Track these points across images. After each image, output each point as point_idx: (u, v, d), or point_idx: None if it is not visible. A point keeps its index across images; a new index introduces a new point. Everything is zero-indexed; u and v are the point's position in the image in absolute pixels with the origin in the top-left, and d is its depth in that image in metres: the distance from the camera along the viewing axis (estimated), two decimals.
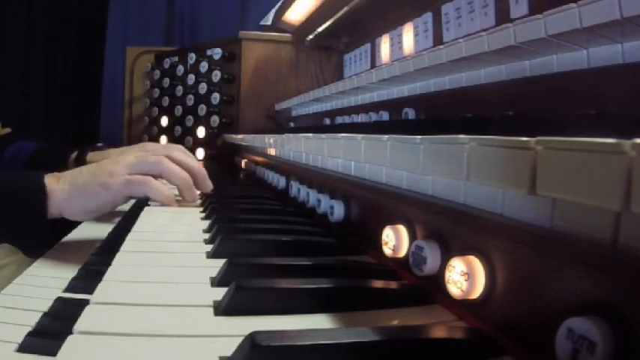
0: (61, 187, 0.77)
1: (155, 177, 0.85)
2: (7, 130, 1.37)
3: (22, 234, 0.75)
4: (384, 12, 1.29)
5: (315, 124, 1.46)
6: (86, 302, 0.40)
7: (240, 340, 0.31)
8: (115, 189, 0.79)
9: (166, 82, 2.13)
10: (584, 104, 0.55)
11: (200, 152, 1.91)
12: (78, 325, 0.35)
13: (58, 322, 0.45)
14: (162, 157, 0.88)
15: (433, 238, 0.44)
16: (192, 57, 1.97)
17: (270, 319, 0.39)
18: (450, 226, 0.43)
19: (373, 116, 1.08)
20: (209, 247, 0.58)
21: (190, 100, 1.96)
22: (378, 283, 0.46)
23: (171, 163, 0.88)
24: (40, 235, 0.76)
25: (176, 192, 0.90)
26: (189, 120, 1.98)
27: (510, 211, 0.36)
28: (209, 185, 0.96)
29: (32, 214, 0.74)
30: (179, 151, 0.93)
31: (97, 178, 0.79)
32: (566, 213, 0.31)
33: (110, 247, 0.70)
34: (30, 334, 0.42)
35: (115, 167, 0.82)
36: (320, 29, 1.63)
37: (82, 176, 0.80)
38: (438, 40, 1.04)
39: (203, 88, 1.90)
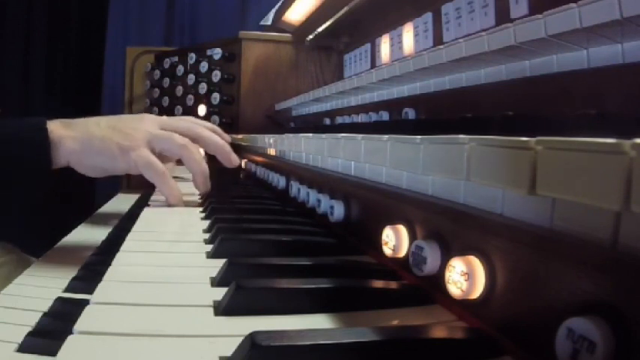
0: (71, 135, 0.71)
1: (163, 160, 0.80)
2: None
3: (27, 183, 0.69)
4: (384, 12, 1.29)
5: (315, 124, 1.46)
6: (86, 302, 0.40)
7: (240, 340, 0.31)
8: (134, 159, 0.74)
9: (166, 82, 2.13)
10: (584, 104, 0.55)
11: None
12: (78, 325, 0.35)
13: (58, 322, 0.45)
14: (189, 142, 0.84)
15: (433, 238, 0.44)
16: (192, 57, 1.97)
17: (270, 319, 0.39)
18: (450, 226, 0.43)
19: (373, 116, 1.08)
20: (209, 247, 0.58)
21: (190, 100, 1.96)
22: (378, 283, 0.46)
23: (196, 149, 0.85)
24: (44, 186, 0.70)
25: (185, 190, 0.89)
26: None
27: (510, 211, 0.36)
28: (235, 159, 0.93)
29: (35, 161, 0.68)
30: (205, 128, 0.88)
31: (117, 137, 0.74)
32: (566, 213, 0.31)
33: (110, 247, 0.70)
34: (30, 334, 0.42)
35: (138, 131, 0.76)
36: (320, 29, 1.63)
37: (99, 129, 0.74)
38: (438, 40, 1.04)
39: (203, 88, 1.90)
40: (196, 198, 0.95)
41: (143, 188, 1.31)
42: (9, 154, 0.67)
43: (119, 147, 0.73)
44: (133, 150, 0.74)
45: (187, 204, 0.89)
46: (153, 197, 0.97)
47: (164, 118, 0.87)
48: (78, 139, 0.72)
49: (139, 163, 0.75)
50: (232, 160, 0.89)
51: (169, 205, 0.85)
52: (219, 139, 0.88)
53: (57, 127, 0.71)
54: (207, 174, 0.89)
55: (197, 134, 0.85)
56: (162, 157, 0.83)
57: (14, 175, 0.69)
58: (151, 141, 0.78)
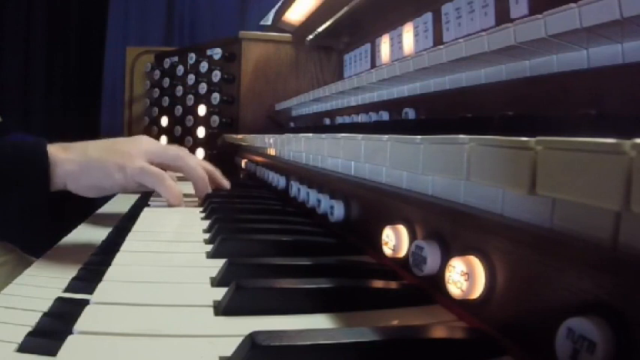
0: (69, 158, 0.73)
1: (164, 169, 0.84)
2: None
3: (25, 203, 0.71)
4: (384, 12, 1.29)
5: (315, 124, 1.46)
6: (86, 302, 0.40)
7: (240, 340, 0.31)
8: (129, 173, 0.76)
9: (166, 82, 2.13)
10: (584, 104, 0.55)
11: (200, 152, 1.91)
12: (78, 325, 0.35)
13: (58, 322, 0.45)
14: (183, 150, 0.87)
15: (433, 238, 0.44)
16: (192, 57, 1.97)
17: (270, 319, 0.39)
18: (450, 226, 0.43)
19: (373, 116, 1.08)
20: (209, 247, 0.58)
21: (190, 100, 1.96)
22: (378, 283, 0.46)
23: (192, 157, 0.88)
24: (42, 206, 0.74)
25: (185, 191, 0.90)
26: (189, 120, 1.98)
27: (510, 211, 0.36)
28: (226, 182, 0.97)
29: (34, 183, 0.69)
30: (192, 158, 0.92)
31: (113, 157, 0.76)
32: (566, 213, 0.31)
33: (110, 247, 0.70)
34: (30, 334, 0.42)
35: (133, 149, 0.79)
36: (320, 29, 1.63)
37: (96, 151, 0.76)
38: (438, 40, 1.04)
39: (203, 88, 1.90)
40: (196, 198, 0.95)
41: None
42: (8, 174, 0.69)
43: (116, 164, 0.76)
44: (128, 166, 0.76)
45: (188, 204, 0.89)
46: (153, 197, 0.97)
47: (156, 142, 0.90)
48: (76, 162, 0.74)
49: (134, 173, 0.77)
50: (224, 182, 0.94)
51: (170, 206, 0.86)
52: (201, 172, 0.90)
53: (56, 150, 0.73)
54: (206, 179, 0.91)
55: (183, 163, 0.87)
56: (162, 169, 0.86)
57: (12, 195, 0.70)
58: (147, 155, 0.80)
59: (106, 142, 0.81)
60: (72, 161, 0.73)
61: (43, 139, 0.74)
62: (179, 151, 0.86)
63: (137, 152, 0.79)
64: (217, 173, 0.97)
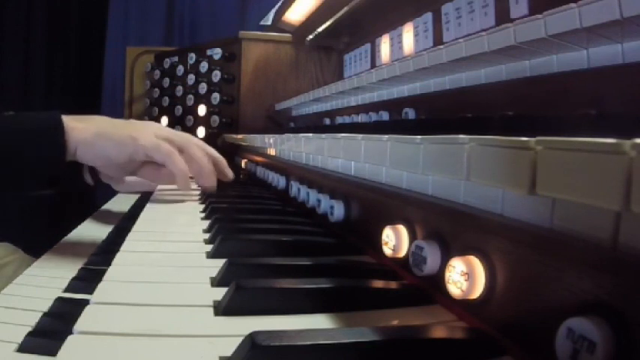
0: (82, 126, 0.77)
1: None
2: (11, 113, 1.39)
3: (43, 169, 0.75)
4: (384, 12, 1.29)
5: (315, 124, 1.46)
6: (86, 302, 0.40)
7: (240, 340, 0.31)
8: (142, 144, 0.81)
9: (166, 82, 2.13)
10: (584, 104, 0.55)
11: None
12: (78, 325, 0.35)
13: (58, 322, 0.45)
14: (191, 138, 0.91)
15: (433, 238, 0.44)
16: (192, 57, 1.97)
17: (270, 319, 0.39)
18: (450, 226, 0.43)
19: (373, 116, 1.08)
20: (209, 247, 0.58)
21: (190, 100, 1.96)
22: (378, 283, 0.46)
23: (198, 148, 0.91)
24: (58, 173, 0.76)
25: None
26: (189, 120, 1.98)
27: (510, 211, 0.36)
28: (229, 172, 0.99)
29: (51, 147, 0.74)
30: (198, 149, 0.94)
31: (127, 130, 0.81)
32: (566, 213, 0.31)
33: (110, 247, 0.70)
34: (30, 334, 0.42)
35: (144, 128, 0.84)
36: (320, 29, 1.63)
37: (110, 124, 0.81)
38: (438, 40, 1.04)
39: (203, 88, 1.90)
40: (198, 192, 0.99)
41: None
42: (25, 142, 0.73)
43: (130, 136, 0.80)
44: (141, 137, 0.81)
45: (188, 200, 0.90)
46: (153, 196, 0.97)
47: (166, 128, 0.94)
48: (90, 130, 0.77)
49: (147, 145, 0.81)
50: (208, 182, 0.94)
51: (178, 187, 0.89)
52: (205, 160, 0.93)
53: (69, 120, 0.77)
54: (211, 169, 0.94)
55: (190, 150, 0.91)
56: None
57: (30, 163, 0.73)
58: (156, 132, 0.85)
59: (120, 120, 0.87)
60: (86, 129, 0.77)
61: (57, 111, 0.78)
62: (189, 139, 0.90)
63: (150, 130, 0.84)
64: (223, 162, 0.98)
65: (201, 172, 0.92)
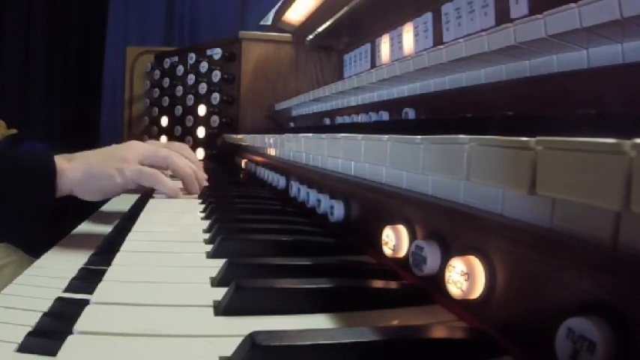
0: (72, 167, 0.81)
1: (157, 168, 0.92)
2: (14, 130, 1.41)
3: (33, 209, 0.80)
4: (384, 12, 1.29)
5: (315, 124, 1.46)
6: (86, 302, 0.40)
7: (240, 340, 0.31)
8: (128, 175, 0.86)
9: (166, 82, 2.13)
10: (584, 104, 0.55)
11: (200, 152, 1.91)
12: (78, 325, 0.35)
13: (58, 322, 0.45)
14: (171, 151, 0.96)
15: (433, 238, 0.44)
16: (192, 57, 1.97)
17: (270, 319, 0.39)
18: (450, 226, 0.43)
19: (373, 116, 1.08)
20: (209, 247, 0.58)
21: (190, 100, 1.96)
22: (378, 283, 0.46)
23: (179, 157, 0.97)
24: (48, 210, 0.80)
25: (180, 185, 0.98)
26: (189, 120, 1.98)
27: (510, 211, 0.36)
28: (196, 189, 1.02)
29: (42, 189, 0.78)
30: (180, 157, 1.00)
31: (113, 163, 0.86)
32: (566, 213, 0.31)
33: (110, 247, 0.70)
34: (30, 334, 0.42)
35: (127, 154, 0.89)
36: (320, 29, 1.63)
37: (97, 159, 0.86)
38: (438, 40, 1.04)
39: (203, 88, 1.90)
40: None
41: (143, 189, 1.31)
42: (18, 181, 0.77)
43: (115, 169, 0.85)
44: (126, 168, 0.86)
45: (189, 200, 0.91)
46: (153, 196, 0.97)
47: (147, 146, 0.99)
48: (79, 170, 0.82)
49: (133, 175, 0.86)
50: (193, 190, 1.00)
51: (169, 197, 0.94)
52: (188, 170, 0.98)
53: (61, 161, 0.81)
54: (193, 176, 0.99)
55: (171, 162, 0.96)
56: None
57: (20, 202, 0.78)
58: (140, 158, 0.90)
59: (104, 150, 0.91)
60: (76, 170, 0.82)
61: (51, 152, 0.83)
62: (167, 152, 0.95)
63: (132, 156, 0.89)
64: (199, 174, 1.02)
65: (185, 182, 0.98)
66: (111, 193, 0.88)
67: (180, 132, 2.05)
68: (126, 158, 0.87)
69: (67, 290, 0.57)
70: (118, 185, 0.85)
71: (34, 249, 0.85)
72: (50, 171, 0.79)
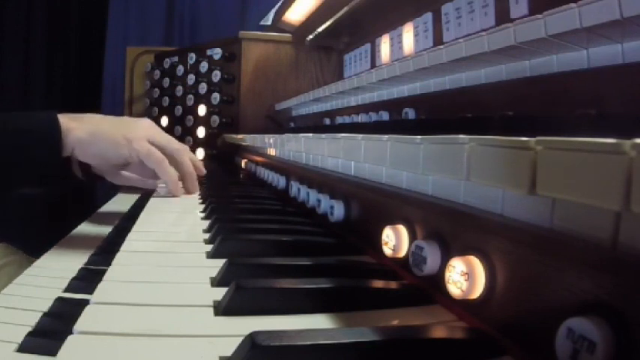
0: (77, 126, 0.79)
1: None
2: None
3: (38, 169, 0.77)
4: (384, 12, 1.29)
5: (315, 124, 1.46)
6: (86, 302, 0.40)
7: (240, 340, 0.31)
8: (136, 149, 0.84)
9: (166, 82, 2.13)
10: (584, 104, 0.55)
11: (200, 152, 1.91)
12: (78, 325, 0.35)
13: (58, 322, 0.45)
14: (185, 148, 0.96)
15: (433, 238, 0.44)
16: (192, 57, 1.97)
17: (270, 319, 0.39)
18: (450, 226, 0.43)
19: (373, 116, 1.08)
20: (209, 247, 0.58)
21: (190, 100, 1.96)
22: (378, 283, 0.46)
23: (190, 154, 0.97)
24: (55, 171, 0.78)
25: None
26: (189, 120, 1.98)
27: (510, 211, 0.36)
28: (194, 188, 1.02)
29: (49, 147, 0.76)
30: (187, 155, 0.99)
31: (121, 130, 0.83)
32: (566, 213, 0.31)
33: (110, 247, 0.70)
34: (30, 334, 0.42)
35: (140, 129, 0.87)
36: (320, 29, 1.63)
37: (107, 124, 0.84)
38: (438, 40, 1.04)
39: (203, 88, 1.90)
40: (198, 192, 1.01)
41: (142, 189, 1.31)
42: (23, 142, 0.75)
43: (124, 137, 0.82)
44: (135, 140, 0.83)
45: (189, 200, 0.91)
46: (153, 196, 0.97)
47: (163, 132, 0.97)
48: (86, 130, 0.79)
49: (140, 151, 0.84)
50: (193, 189, 0.99)
51: (170, 192, 0.94)
52: (192, 169, 0.98)
53: (66, 120, 0.79)
54: (195, 177, 0.99)
55: (180, 157, 0.96)
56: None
57: (26, 163, 0.76)
58: (150, 136, 0.88)
59: (117, 118, 0.89)
60: (82, 129, 0.79)
61: (53, 110, 0.80)
62: (181, 146, 0.95)
63: (145, 134, 0.87)
64: (193, 176, 1.01)
65: (186, 179, 0.97)
66: (111, 160, 0.85)
67: (181, 132, 2.05)
68: (136, 130, 0.85)
69: (67, 290, 0.57)
70: (121, 156, 0.83)
71: (34, 249, 0.85)
72: (55, 129, 0.76)
